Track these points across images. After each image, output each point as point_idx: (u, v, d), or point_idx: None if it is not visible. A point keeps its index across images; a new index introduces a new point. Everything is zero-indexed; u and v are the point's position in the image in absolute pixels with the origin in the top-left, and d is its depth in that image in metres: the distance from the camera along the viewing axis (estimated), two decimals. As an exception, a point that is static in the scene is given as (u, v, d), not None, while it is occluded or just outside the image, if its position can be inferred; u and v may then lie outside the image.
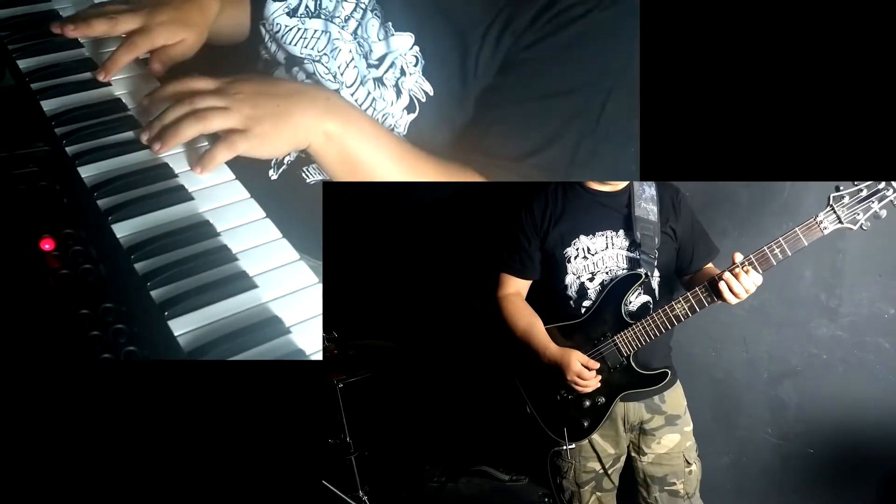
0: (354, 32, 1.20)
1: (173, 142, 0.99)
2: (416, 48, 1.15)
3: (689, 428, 1.50)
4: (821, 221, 1.26)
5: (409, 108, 1.17)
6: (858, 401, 1.73)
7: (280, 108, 0.99)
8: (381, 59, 1.18)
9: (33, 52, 1.17)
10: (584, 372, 1.40)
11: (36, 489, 1.23)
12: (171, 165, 1.01)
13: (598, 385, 1.42)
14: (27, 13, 1.25)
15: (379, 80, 1.18)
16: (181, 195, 0.97)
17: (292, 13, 1.25)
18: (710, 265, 1.48)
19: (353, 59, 1.20)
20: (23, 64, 1.15)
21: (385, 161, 1.05)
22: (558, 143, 1.11)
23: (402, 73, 1.16)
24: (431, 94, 1.15)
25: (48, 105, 1.08)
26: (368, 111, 1.18)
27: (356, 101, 1.19)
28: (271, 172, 1.29)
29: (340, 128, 1.02)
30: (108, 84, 1.13)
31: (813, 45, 1.27)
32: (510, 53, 1.11)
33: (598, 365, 1.42)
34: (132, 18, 1.14)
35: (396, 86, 1.17)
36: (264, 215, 0.97)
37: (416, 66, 1.15)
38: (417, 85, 1.16)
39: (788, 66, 1.28)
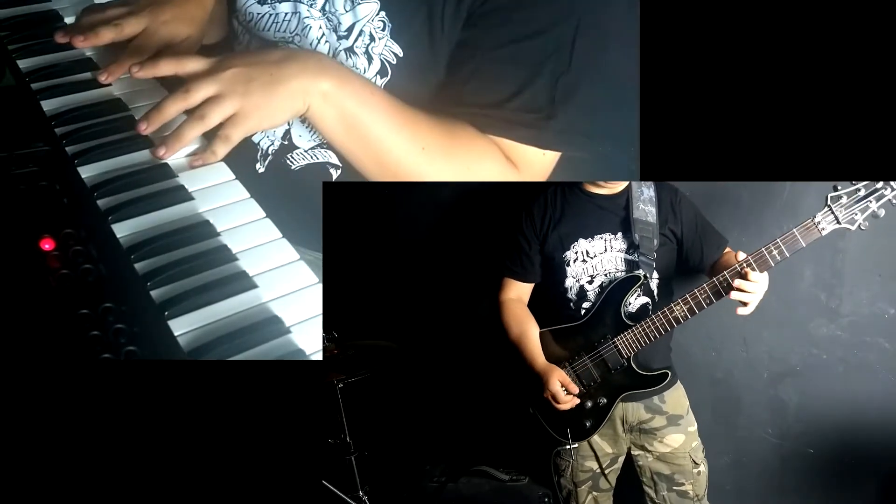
0: (322, 9, 1.22)
1: (178, 146, 1.00)
2: (383, 13, 1.18)
3: (694, 428, 1.50)
4: (818, 222, 1.26)
5: (382, 73, 1.19)
6: (858, 401, 1.73)
7: (273, 76, 0.99)
8: (350, 29, 1.20)
9: (33, 52, 1.17)
10: (559, 394, 1.41)
11: (36, 489, 1.23)
12: (170, 165, 1.01)
13: (574, 405, 1.43)
14: (27, 13, 1.25)
15: (350, 50, 1.20)
16: (181, 195, 0.97)
17: (262, 1, 1.26)
18: (728, 250, 1.47)
19: (323, 34, 1.22)
20: (23, 64, 1.15)
21: (382, 117, 1.06)
22: (535, 83, 1.13)
23: (372, 39, 1.18)
24: (401, 55, 1.18)
25: (48, 105, 1.08)
26: None
27: None
28: (258, 166, 1.30)
29: (336, 87, 1.02)
30: (109, 84, 1.14)
31: (813, 45, 1.27)
32: (473, 6, 1.13)
33: (577, 389, 1.43)
34: (136, 21, 1.15)
35: (367, 52, 1.19)
36: (264, 215, 0.98)
37: (383, 30, 1.18)
38: (387, 48, 1.18)
39: (788, 66, 1.28)
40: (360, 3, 1.19)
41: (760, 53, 1.29)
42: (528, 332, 1.50)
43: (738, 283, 1.27)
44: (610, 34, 1.21)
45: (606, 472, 1.51)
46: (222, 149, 0.99)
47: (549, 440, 1.50)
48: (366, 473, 1.87)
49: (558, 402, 1.42)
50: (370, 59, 1.19)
